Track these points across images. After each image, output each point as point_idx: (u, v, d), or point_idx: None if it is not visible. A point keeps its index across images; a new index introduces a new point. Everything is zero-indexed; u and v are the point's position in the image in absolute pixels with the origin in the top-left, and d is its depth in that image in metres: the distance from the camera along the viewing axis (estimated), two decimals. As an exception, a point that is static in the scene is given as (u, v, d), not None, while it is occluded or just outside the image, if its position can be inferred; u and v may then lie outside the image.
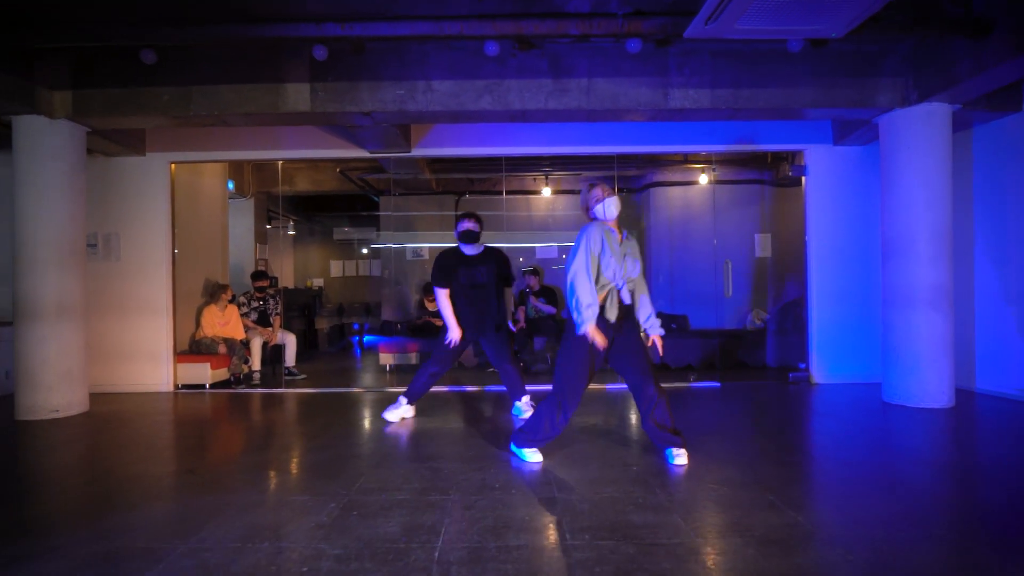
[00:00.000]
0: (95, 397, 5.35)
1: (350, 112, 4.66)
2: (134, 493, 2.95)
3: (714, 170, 7.12)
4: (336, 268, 10.93)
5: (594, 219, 3.27)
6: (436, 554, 2.20)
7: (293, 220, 10.43)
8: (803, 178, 5.98)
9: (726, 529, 2.41)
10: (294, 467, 3.36)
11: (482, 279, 4.22)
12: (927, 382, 4.71)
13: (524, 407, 4.47)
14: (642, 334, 3.34)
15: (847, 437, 3.91)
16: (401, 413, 4.40)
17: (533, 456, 3.31)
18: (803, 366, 6.47)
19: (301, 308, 9.33)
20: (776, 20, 3.39)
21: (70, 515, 2.66)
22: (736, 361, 7.13)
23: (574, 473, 3.12)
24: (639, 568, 2.08)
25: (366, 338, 10.35)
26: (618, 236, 3.22)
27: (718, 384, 5.84)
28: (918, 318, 4.75)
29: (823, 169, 5.87)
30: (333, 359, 8.64)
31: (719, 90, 4.66)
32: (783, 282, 7.67)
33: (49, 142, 4.71)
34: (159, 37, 4.13)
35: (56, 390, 4.69)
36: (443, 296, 4.23)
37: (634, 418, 4.56)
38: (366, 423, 4.46)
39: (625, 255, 3.19)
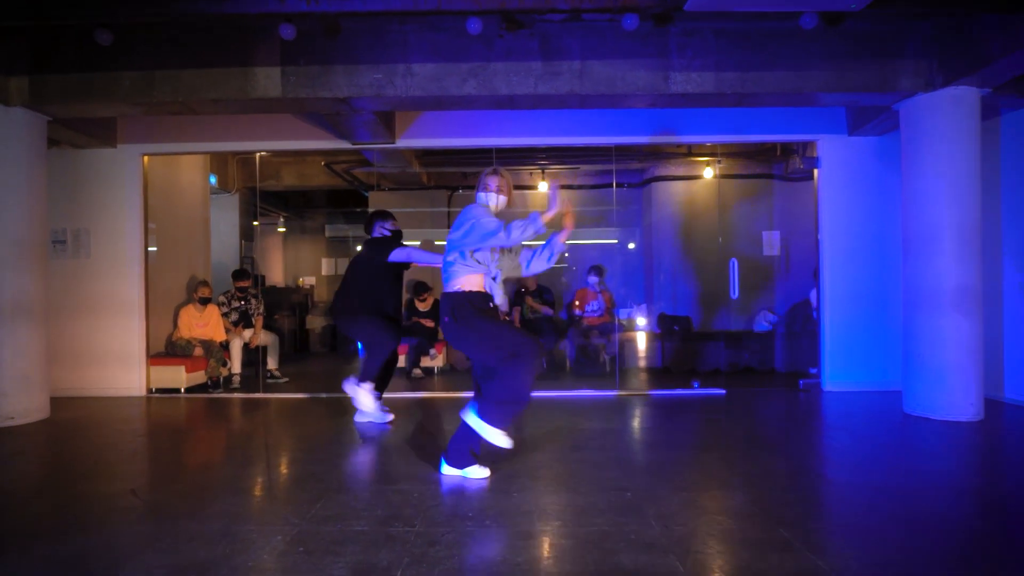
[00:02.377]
0: (60, 402, 5.04)
1: (324, 98, 4.31)
2: (68, 517, 2.62)
3: (719, 162, 6.74)
4: (328, 266, 10.60)
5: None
6: (384, 607, 1.86)
7: (283, 216, 10.10)
8: (815, 171, 5.59)
9: None
10: (250, 487, 3.02)
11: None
12: (953, 392, 4.32)
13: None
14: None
15: (868, 456, 3.54)
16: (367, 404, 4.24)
17: (503, 440, 2.96)
18: (814, 372, 6.09)
19: (292, 307, 9.01)
20: (789, -11, 3.01)
21: (-21, 548, 2.33)
22: (743, 366, 6.75)
23: (560, 499, 2.77)
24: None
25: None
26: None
27: (723, 392, 5.47)
28: (943, 322, 4.36)
29: (837, 161, 5.48)
30: (323, 360, 8.32)
31: (724, 73, 4.28)
32: (792, 282, 7.28)
33: (5, 132, 4.39)
34: (117, 15, 3.81)
35: (11, 396, 4.38)
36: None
37: (634, 428, 4.20)
38: (344, 433, 4.12)
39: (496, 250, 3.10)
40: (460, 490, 2.90)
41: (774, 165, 7.32)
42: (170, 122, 5.62)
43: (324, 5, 3.50)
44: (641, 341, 7.98)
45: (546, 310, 7.25)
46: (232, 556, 2.20)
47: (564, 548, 2.25)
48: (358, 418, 4.36)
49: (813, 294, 6.51)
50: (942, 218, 4.37)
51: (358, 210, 9.96)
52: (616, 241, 8.64)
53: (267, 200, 9.09)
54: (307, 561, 2.16)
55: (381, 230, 4.46)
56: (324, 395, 5.52)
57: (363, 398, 4.22)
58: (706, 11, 3.31)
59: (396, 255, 4.18)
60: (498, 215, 3.07)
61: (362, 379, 4.23)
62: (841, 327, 5.47)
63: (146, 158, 5.69)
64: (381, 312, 4.24)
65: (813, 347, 6.59)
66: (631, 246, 8.61)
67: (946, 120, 4.30)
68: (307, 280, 10.16)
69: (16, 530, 2.51)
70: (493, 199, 3.12)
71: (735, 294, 5.79)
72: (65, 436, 4.12)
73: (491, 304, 3.06)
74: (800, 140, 5.64)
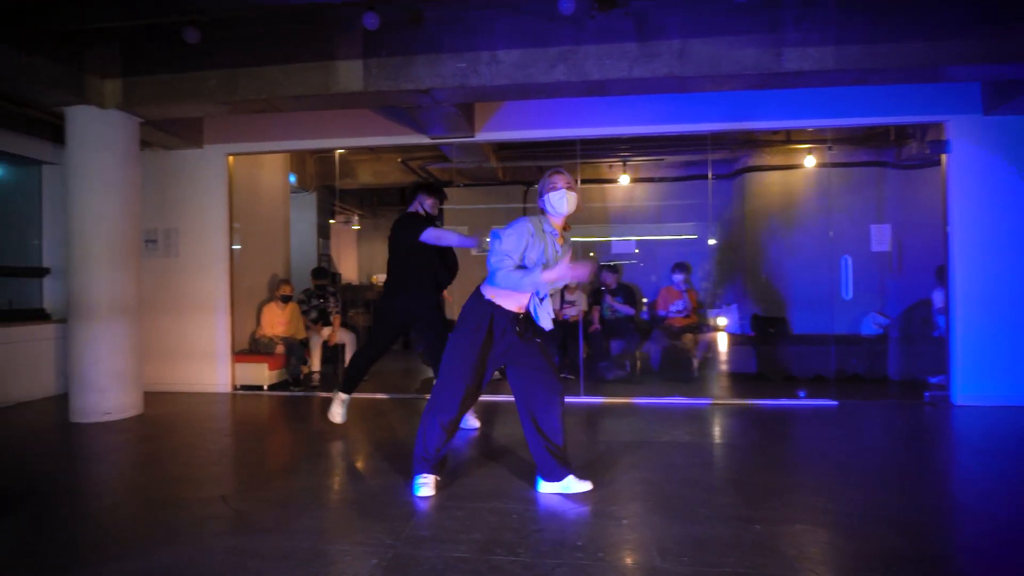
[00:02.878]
0: (151, 397, 5.15)
1: (406, 90, 4.14)
2: (157, 524, 2.55)
3: (830, 148, 6.11)
4: (401, 263, 10.64)
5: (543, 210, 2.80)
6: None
7: (358, 214, 10.18)
8: (943, 156, 4.94)
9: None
10: (336, 499, 2.87)
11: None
12: None
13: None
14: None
15: (1032, 486, 3.00)
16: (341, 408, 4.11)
17: (425, 488, 2.82)
18: (935, 381, 5.43)
19: (366, 304, 9.06)
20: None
21: (86, 546, 2.27)
22: (850, 373, 6.13)
23: (676, 529, 2.45)
24: None
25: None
26: (559, 238, 2.80)
27: (835, 403, 4.93)
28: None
29: (970, 145, 4.82)
30: (398, 358, 8.29)
31: (847, 47, 3.79)
32: (906, 281, 6.56)
33: (100, 133, 4.50)
34: (197, 9, 3.77)
35: (108, 392, 4.48)
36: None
37: (741, 443, 3.80)
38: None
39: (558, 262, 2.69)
40: (560, 513, 2.63)
41: (884, 151, 6.60)
42: (252, 122, 5.66)
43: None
44: (724, 344, 7.48)
45: (627, 309, 6.87)
46: (326, 582, 2.03)
47: (695, 594, 1.94)
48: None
49: (937, 295, 5.83)
50: (1115, 207, 3.70)
51: (430, 207, 9.88)
52: (695, 236, 8.12)
53: (342, 198, 9.17)
54: None
55: (420, 205, 4.08)
56: (402, 396, 5.40)
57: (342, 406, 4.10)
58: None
59: (427, 235, 3.86)
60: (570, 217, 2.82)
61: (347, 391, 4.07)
62: (975, 332, 4.82)
63: (231, 158, 5.75)
64: (392, 299, 3.97)
65: (933, 353, 5.91)
66: (711, 242, 8.07)
67: (1124, 91, 3.64)
68: (380, 278, 10.21)
69: (105, 537, 2.45)
70: (568, 200, 2.72)
71: (848, 294, 5.22)
72: (156, 434, 4.16)
73: (498, 329, 2.76)
74: (928, 121, 4.99)
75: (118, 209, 4.57)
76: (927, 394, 4.99)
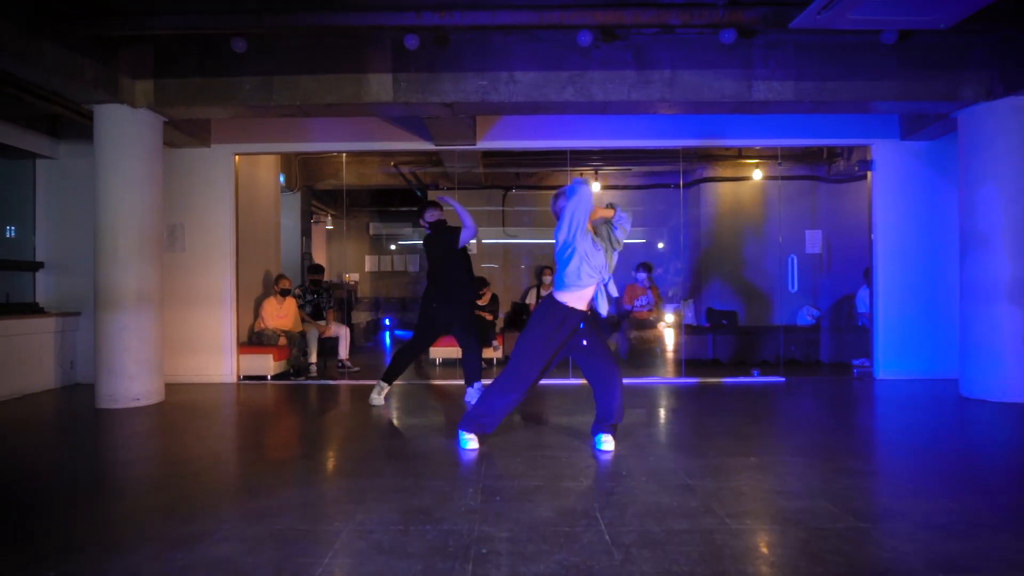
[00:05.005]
0: (165, 388, 5.33)
1: (432, 103, 4.65)
2: (265, 478, 2.94)
3: (780, 163, 7.10)
4: (371, 263, 10.93)
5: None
6: (607, 537, 2.20)
7: (331, 214, 10.42)
8: (868, 173, 5.97)
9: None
10: (405, 455, 3.35)
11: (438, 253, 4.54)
12: (1009, 376, 4.71)
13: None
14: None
15: (936, 431, 3.90)
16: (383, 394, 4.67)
17: (471, 443, 3.33)
18: (861, 362, 6.46)
19: (337, 303, 9.32)
20: (890, 10, 3.38)
21: (215, 498, 2.66)
22: (789, 357, 7.11)
23: (691, 461, 3.12)
24: (830, 551, 2.07)
25: (397, 332, 10.41)
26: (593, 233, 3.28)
27: (783, 379, 5.83)
28: (999, 312, 4.74)
29: (891, 164, 5.86)
30: (373, 354, 8.65)
31: (803, 83, 4.65)
32: (834, 279, 7.66)
33: (130, 131, 4.71)
34: (250, 24, 4.13)
35: (137, 379, 4.69)
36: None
37: (764, 410, 4.55)
38: (444, 416, 4.45)
39: (607, 249, 3.27)
40: (598, 455, 3.24)
41: (816, 167, 7.70)
42: (259, 123, 5.94)
43: (456, 18, 3.85)
44: (671, 334, 8.34)
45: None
46: (444, 503, 2.53)
47: (724, 496, 2.60)
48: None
49: (862, 292, 6.90)
50: (998, 217, 4.75)
51: (403, 209, 10.30)
52: (645, 241, 8.98)
53: (319, 199, 9.41)
54: (512, 507, 2.49)
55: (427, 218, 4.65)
56: (397, 383, 5.85)
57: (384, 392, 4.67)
58: (808, 28, 3.67)
59: (464, 237, 4.46)
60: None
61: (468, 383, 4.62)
62: (894, 319, 5.84)
63: (237, 157, 6.00)
64: (426, 307, 4.55)
65: (857, 340, 6.98)
66: (660, 245, 8.94)
67: (1005, 127, 4.68)
68: (352, 276, 10.48)
69: (229, 487, 2.83)
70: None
71: (794, 287, 6.15)
72: (195, 416, 4.43)
73: (569, 329, 3.19)
74: (856, 144, 6.01)
75: (144, 204, 4.79)
76: (855, 370, 5.98)
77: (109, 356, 4.62)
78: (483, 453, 3.29)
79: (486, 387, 3.41)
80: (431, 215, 4.66)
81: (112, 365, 4.62)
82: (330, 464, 3.18)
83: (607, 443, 3.33)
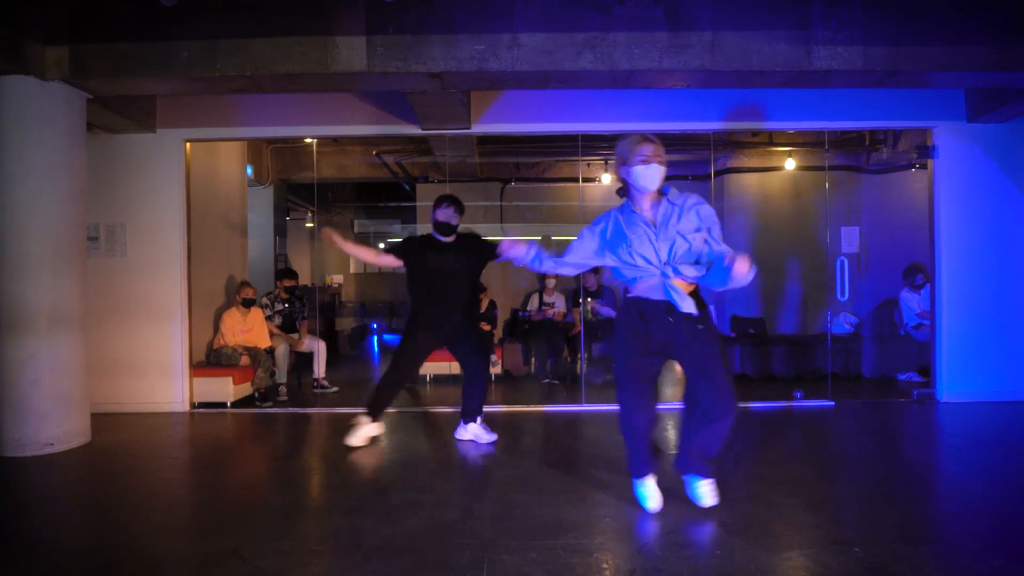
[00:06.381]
0: (98, 420, 4.40)
1: (417, 73, 3.74)
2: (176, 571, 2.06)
3: (827, 151, 6.22)
4: (356, 264, 10.03)
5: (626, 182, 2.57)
6: None
7: (311, 211, 9.49)
8: (930, 162, 5.10)
9: None
10: (382, 548, 2.46)
11: (456, 267, 3.77)
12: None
13: (475, 430, 3.86)
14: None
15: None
16: (366, 433, 3.82)
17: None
18: (908, 377, 5.65)
19: (321, 308, 8.43)
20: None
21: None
22: (825, 372, 6.27)
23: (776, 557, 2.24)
24: None
25: (386, 337, 9.59)
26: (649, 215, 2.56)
27: (831, 403, 4.98)
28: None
29: (956, 151, 4.99)
30: (358, 366, 7.76)
31: (873, 48, 3.76)
32: (872, 281, 6.82)
33: (39, 110, 3.78)
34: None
35: (50, 418, 3.77)
36: (384, 257, 3.79)
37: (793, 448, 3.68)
38: (438, 457, 3.57)
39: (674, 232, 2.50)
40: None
41: (855, 156, 6.83)
42: (215, 104, 5.02)
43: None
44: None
45: (607, 311, 6.75)
46: None
47: None
48: (459, 435, 3.93)
49: (904, 295, 6.07)
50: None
51: (391, 204, 9.39)
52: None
53: (297, 193, 8.48)
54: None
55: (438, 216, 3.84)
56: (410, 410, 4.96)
57: (369, 432, 3.86)
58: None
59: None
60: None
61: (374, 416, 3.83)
62: (960, 331, 4.99)
63: (188, 144, 5.08)
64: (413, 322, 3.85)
65: (902, 351, 6.15)
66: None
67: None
68: (335, 278, 9.57)
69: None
70: (652, 173, 2.46)
71: (844, 296, 5.29)
72: (116, 467, 3.53)
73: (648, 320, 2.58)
74: (916, 127, 5.15)
75: (61, 201, 3.87)
76: (915, 392, 5.13)
77: (12, 392, 3.70)
78: (486, 543, 2.40)
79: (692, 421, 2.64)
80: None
81: (17, 403, 3.69)
82: (268, 567, 2.28)
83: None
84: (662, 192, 2.57)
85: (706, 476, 2.65)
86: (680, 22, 3.72)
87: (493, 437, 3.86)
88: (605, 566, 2.16)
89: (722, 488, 2.74)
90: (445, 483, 3.18)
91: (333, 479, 3.32)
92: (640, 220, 2.54)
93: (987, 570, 2.11)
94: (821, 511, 2.67)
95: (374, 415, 3.82)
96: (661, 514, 2.60)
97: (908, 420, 4.50)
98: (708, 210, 2.57)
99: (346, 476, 3.33)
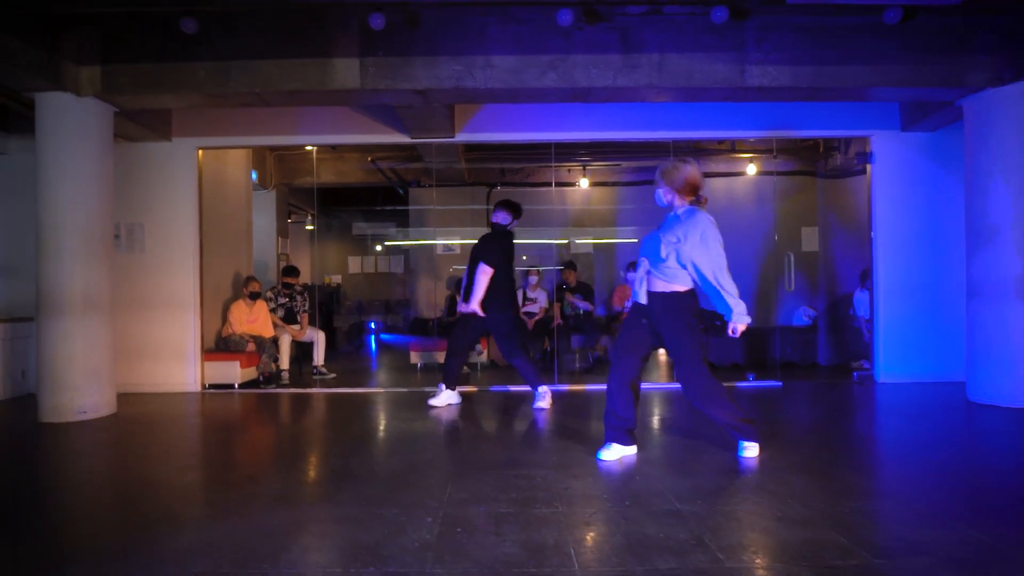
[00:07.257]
0: (119, 398, 4.94)
1: (403, 90, 4.31)
2: (200, 507, 2.60)
3: (775, 157, 6.79)
4: (354, 264, 10.57)
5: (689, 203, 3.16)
6: (580, 581, 1.87)
7: (311, 214, 10.05)
8: (868, 167, 5.66)
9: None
10: (364, 476, 3.01)
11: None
12: (1020, 381, 4.40)
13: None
14: None
15: (942, 440, 3.59)
16: (445, 399, 4.61)
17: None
18: (861, 364, 6.17)
19: (320, 306, 8.97)
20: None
21: (134, 534, 2.31)
22: (785, 360, 6.81)
23: (688, 482, 2.79)
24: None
25: (383, 336, 10.10)
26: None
27: (779, 384, 5.52)
28: (1008, 311, 4.44)
29: (891, 157, 5.55)
30: (354, 359, 8.30)
31: (801, 67, 4.34)
32: (832, 278, 7.36)
33: (75, 122, 4.35)
34: (198, 2, 3.78)
35: (83, 390, 4.32)
36: (487, 276, 4.34)
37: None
38: (420, 425, 4.12)
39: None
40: (579, 474, 2.91)
41: (813, 163, 7.39)
42: (224, 115, 5.59)
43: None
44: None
45: (584, 305, 7.28)
46: (393, 537, 2.20)
47: (719, 524, 2.28)
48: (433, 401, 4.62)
49: (859, 294, 6.60)
50: (1008, 211, 4.45)
51: (388, 208, 9.95)
52: (636, 240, 8.68)
53: (298, 197, 9.05)
54: (472, 541, 2.16)
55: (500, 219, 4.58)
56: (374, 391, 5.51)
57: (447, 399, 4.67)
58: (806, 3, 3.35)
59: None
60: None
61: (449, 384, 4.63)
62: (895, 320, 5.54)
63: (201, 152, 5.65)
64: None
65: (855, 342, 6.68)
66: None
67: (1015, 114, 4.38)
68: (334, 278, 10.12)
69: (153, 517, 2.49)
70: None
71: (790, 287, 5.84)
72: (142, 430, 4.08)
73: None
74: (854, 136, 5.72)
75: (92, 201, 4.43)
76: (855, 374, 5.66)
77: (52, 366, 4.26)
78: (450, 472, 2.95)
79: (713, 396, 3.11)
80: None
81: (55, 375, 4.25)
82: (277, 488, 2.82)
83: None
84: (696, 201, 3.16)
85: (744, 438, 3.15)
86: (632, 45, 4.30)
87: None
88: (544, 487, 2.70)
89: (663, 447, 3.28)
90: (423, 439, 3.72)
91: (330, 434, 3.86)
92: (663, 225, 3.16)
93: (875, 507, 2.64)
94: (735, 451, 3.20)
95: (449, 384, 4.60)
96: (600, 460, 3.14)
97: (845, 397, 5.03)
98: (696, 230, 3.03)
99: (339, 432, 3.88)
